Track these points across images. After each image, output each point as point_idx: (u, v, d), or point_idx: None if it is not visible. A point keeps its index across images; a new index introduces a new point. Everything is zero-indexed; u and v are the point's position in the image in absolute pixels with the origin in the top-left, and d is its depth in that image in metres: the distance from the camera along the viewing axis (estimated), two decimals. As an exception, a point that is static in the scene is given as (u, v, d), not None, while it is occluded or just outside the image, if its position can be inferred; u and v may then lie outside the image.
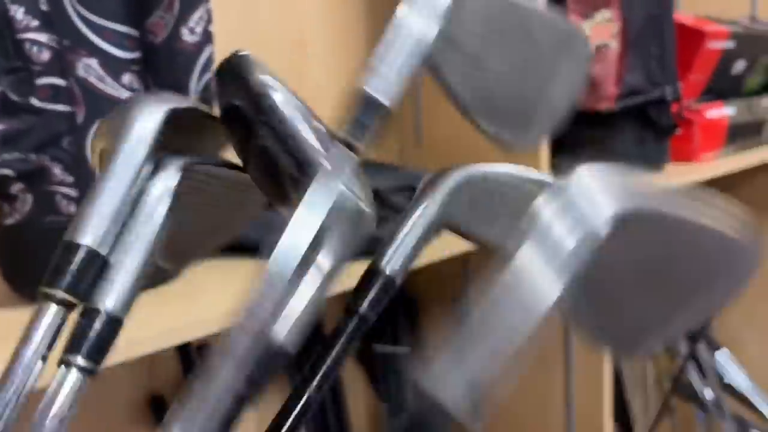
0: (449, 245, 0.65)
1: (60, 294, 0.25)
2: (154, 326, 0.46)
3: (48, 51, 0.47)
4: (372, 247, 0.58)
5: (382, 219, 0.66)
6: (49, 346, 0.25)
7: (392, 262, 0.30)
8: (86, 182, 0.49)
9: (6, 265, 0.53)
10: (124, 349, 0.43)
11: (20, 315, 0.44)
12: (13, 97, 0.46)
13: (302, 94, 0.93)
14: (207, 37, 0.51)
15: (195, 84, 0.52)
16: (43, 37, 0.47)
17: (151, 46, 0.50)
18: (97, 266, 0.26)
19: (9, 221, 0.50)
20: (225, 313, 0.50)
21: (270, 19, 0.88)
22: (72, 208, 0.49)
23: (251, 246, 0.63)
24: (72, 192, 0.49)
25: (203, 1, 0.51)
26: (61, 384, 0.24)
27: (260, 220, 0.65)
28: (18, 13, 0.46)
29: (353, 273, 0.31)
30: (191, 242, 0.33)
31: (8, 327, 0.47)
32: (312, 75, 0.93)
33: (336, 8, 0.96)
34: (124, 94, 0.50)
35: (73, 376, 0.24)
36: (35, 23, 0.46)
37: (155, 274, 0.49)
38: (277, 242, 0.66)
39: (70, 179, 0.49)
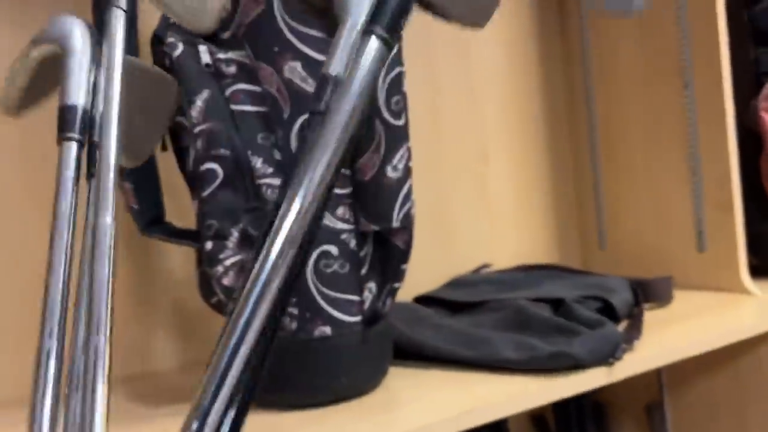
0: (646, 361, 0.65)
1: None
2: None
3: (278, 192, 0.56)
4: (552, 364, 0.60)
5: (567, 330, 0.67)
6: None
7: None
8: (306, 302, 0.57)
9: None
10: None
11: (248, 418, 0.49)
12: (251, 232, 0.55)
13: (484, 203, 0.98)
14: (407, 173, 0.58)
15: (397, 213, 0.58)
16: (276, 181, 0.56)
17: (360, 183, 0.58)
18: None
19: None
20: (423, 424, 0.53)
21: (454, 129, 0.95)
22: (293, 325, 0.57)
23: (442, 356, 0.66)
24: (293, 310, 0.57)
25: (405, 141, 0.58)
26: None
27: (453, 334, 0.69)
28: (258, 162, 0.56)
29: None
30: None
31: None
32: (493, 186, 0.98)
33: (517, 123, 1.01)
34: (338, 225, 0.58)
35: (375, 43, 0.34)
36: (270, 170, 0.56)
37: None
38: (467, 356, 0.69)
39: (292, 300, 0.57)
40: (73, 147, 0.42)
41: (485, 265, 0.95)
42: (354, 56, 0.38)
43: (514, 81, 1.00)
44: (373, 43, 0.38)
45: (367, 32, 0.39)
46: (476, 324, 0.74)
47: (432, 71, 0.93)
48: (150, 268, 0.75)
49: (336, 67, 0.39)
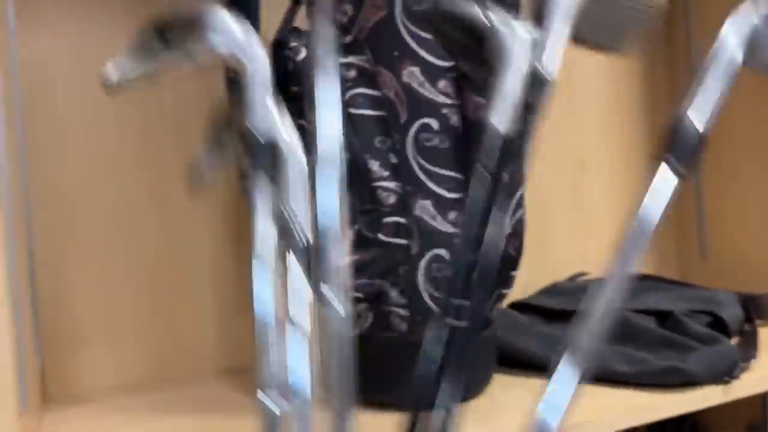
0: (764, 381, 0.62)
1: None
2: None
3: (394, 195, 0.57)
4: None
5: (679, 345, 0.65)
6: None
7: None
8: (417, 305, 0.57)
9: (344, 370, 0.62)
10: None
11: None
12: (366, 233, 0.56)
13: (580, 210, 0.97)
14: (520, 179, 0.58)
15: (509, 219, 0.58)
16: (391, 185, 0.57)
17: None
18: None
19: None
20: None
21: (552, 134, 0.94)
22: (403, 327, 0.57)
23: (539, 363, 0.66)
24: (404, 312, 0.57)
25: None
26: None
27: (558, 343, 0.68)
28: (375, 165, 0.56)
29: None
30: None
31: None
32: (590, 193, 0.96)
33: (617, 129, 0.99)
34: (449, 229, 0.58)
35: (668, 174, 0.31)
36: (386, 173, 0.57)
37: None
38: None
39: (403, 301, 0.57)
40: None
41: (581, 274, 0.93)
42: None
43: (616, 85, 0.98)
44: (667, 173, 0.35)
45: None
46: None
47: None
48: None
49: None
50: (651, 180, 0.33)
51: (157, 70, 0.47)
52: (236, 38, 0.39)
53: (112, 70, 0.43)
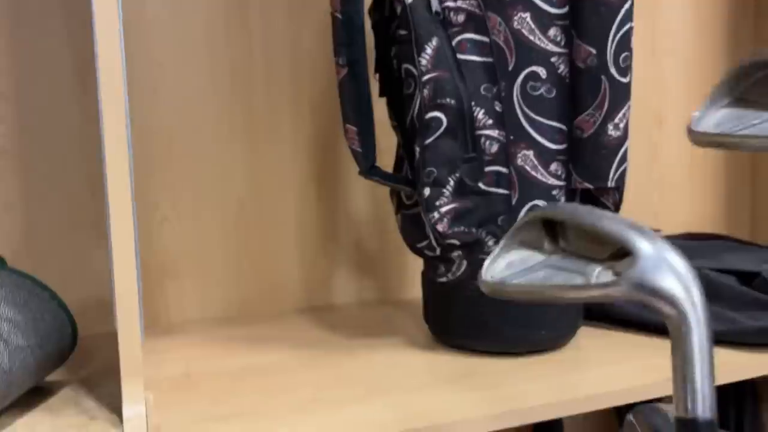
0: None
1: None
2: (542, 397, 0.51)
3: (497, 144, 0.57)
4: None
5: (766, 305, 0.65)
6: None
7: None
8: (514, 254, 0.57)
9: (433, 316, 0.63)
10: (510, 416, 0.49)
11: (440, 358, 0.52)
12: (467, 181, 0.56)
13: (655, 168, 0.95)
14: (626, 132, 0.57)
15: (613, 173, 0.57)
16: (494, 133, 0.56)
17: (578, 140, 0.57)
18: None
19: (442, 280, 0.61)
20: (629, 387, 0.53)
21: (634, 90, 0.92)
22: (499, 275, 0.58)
23: (631, 320, 0.66)
24: (500, 261, 0.58)
25: (627, 99, 0.57)
26: None
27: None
28: (479, 113, 0.56)
29: None
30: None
31: (432, 368, 0.57)
32: (667, 150, 0.95)
33: (698, 84, 0.96)
34: (550, 180, 0.58)
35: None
36: (490, 121, 0.56)
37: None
38: (660, 322, 0.67)
39: (500, 251, 0.58)
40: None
41: (655, 231, 0.92)
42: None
43: (699, 39, 0.95)
44: None
45: None
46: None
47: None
48: (335, 208, 0.78)
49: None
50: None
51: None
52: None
53: None
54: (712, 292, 0.69)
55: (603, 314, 0.68)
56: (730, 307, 0.65)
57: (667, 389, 0.54)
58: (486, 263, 0.36)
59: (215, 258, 0.73)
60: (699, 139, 0.35)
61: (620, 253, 0.33)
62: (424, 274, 0.64)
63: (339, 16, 0.57)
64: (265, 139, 0.74)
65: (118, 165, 0.45)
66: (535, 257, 0.36)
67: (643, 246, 0.32)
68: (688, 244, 0.87)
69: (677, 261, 0.33)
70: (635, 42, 0.91)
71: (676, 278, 0.32)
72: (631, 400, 0.54)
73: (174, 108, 0.71)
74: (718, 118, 0.36)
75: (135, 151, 0.69)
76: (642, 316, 0.66)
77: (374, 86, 0.61)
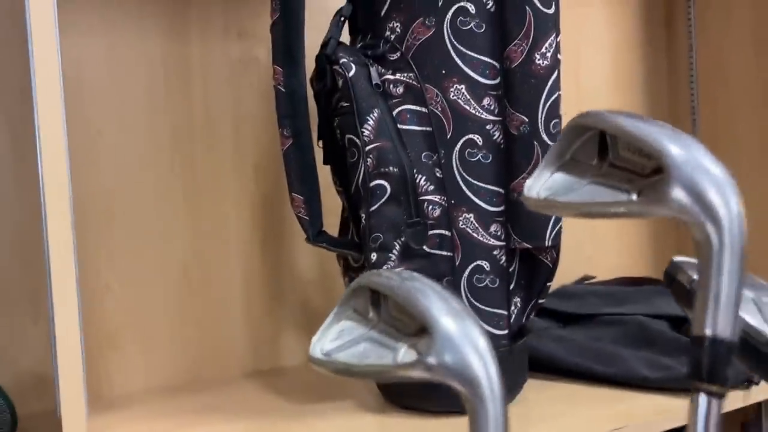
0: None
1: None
2: None
3: (439, 209, 0.59)
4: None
5: None
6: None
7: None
8: (460, 315, 0.59)
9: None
10: None
11: (389, 421, 0.52)
12: (412, 245, 0.58)
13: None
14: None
15: (549, 232, 0.60)
16: (436, 198, 0.59)
17: (514, 202, 0.60)
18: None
19: (392, 341, 0.62)
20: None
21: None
22: (447, 336, 0.59)
23: (576, 371, 0.68)
24: (447, 322, 0.59)
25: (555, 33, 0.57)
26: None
27: (580, 348, 0.71)
28: (421, 179, 0.58)
29: None
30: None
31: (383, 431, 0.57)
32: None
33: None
34: (491, 241, 0.60)
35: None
36: (432, 187, 0.58)
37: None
38: (605, 372, 0.68)
39: (446, 311, 0.59)
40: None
41: (588, 277, 0.96)
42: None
43: (619, 91, 1.01)
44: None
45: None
46: (594, 338, 0.76)
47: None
48: (281, 269, 0.78)
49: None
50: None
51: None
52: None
53: None
54: (647, 339, 0.72)
55: (550, 366, 0.70)
56: (663, 353, 0.68)
57: None
58: (318, 333, 0.34)
59: (159, 324, 0.72)
60: (530, 203, 0.34)
61: (423, 330, 0.30)
62: (372, 335, 0.64)
63: (282, 89, 0.59)
64: (208, 203, 0.74)
65: (60, 234, 0.45)
66: (359, 329, 0.34)
67: (442, 324, 0.30)
68: (622, 290, 0.91)
69: (478, 338, 0.30)
70: (566, 92, 0.97)
71: (477, 358, 0.30)
72: None
73: (114, 174, 0.70)
74: (548, 183, 0.34)
75: (75, 218, 0.68)
76: (590, 368, 0.68)
77: (318, 153, 0.62)
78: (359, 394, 0.67)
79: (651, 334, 0.72)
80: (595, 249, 0.99)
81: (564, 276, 0.96)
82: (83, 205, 0.69)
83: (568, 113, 0.95)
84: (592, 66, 0.99)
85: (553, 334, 0.77)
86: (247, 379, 0.74)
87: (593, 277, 0.97)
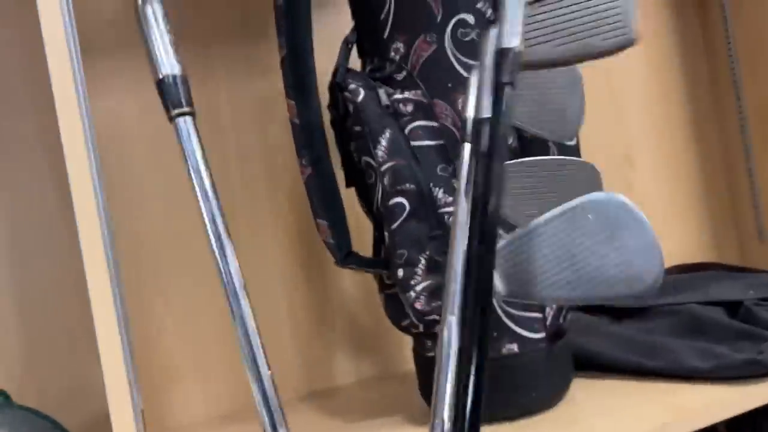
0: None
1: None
2: None
3: (460, 219, 0.59)
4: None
5: (754, 336, 0.66)
6: None
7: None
8: (491, 321, 0.59)
9: (427, 389, 0.65)
10: None
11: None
12: (437, 258, 0.59)
13: (633, 203, 0.95)
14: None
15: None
16: (457, 209, 0.59)
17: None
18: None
19: (431, 354, 0.62)
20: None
21: (597, 135, 0.95)
22: (482, 344, 0.60)
23: (624, 366, 0.67)
24: (481, 330, 0.60)
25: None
26: None
27: (628, 342, 0.70)
28: (439, 192, 0.59)
29: None
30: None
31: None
32: (640, 189, 0.97)
33: (662, 122, 0.99)
34: (517, 246, 0.60)
35: None
36: (450, 199, 0.59)
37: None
38: (652, 366, 0.68)
39: (479, 320, 0.60)
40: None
41: (642, 268, 0.94)
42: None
43: (656, 78, 0.99)
44: None
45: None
46: (646, 331, 0.74)
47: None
48: (325, 290, 0.81)
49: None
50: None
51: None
52: None
53: None
54: (699, 328, 0.70)
55: (597, 363, 0.69)
56: (716, 342, 0.66)
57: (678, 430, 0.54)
58: None
59: (214, 356, 0.75)
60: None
61: None
62: (414, 349, 0.65)
63: (297, 121, 0.61)
64: (247, 235, 0.77)
65: (99, 283, 0.48)
66: None
67: None
68: (678, 278, 0.88)
69: None
70: (597, 88, 0.95)
71: None
72: None
73: (159, 214, 0.74)
74: None
75: (126, 262, 0.72)
76: (638, 362, 0.67)
77: (341, 178, 0.64)
78: (408, 407, 0.68)
79: (703, 322, 0.70)
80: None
81: (616, 269, 0.94)
82: (135, 251, 0.73)
83: (600, 103, 0.94)
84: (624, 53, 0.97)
85: (602, 330, 0.76)
86: (302, 401, 0.76)
87: (646, 268, 0.95)
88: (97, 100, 0.72)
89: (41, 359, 0.70)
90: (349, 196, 0.65)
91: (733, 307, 0.73)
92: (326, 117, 0.64)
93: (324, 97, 0.63)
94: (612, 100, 0.96)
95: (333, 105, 0.64)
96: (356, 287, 0.82)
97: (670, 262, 0.97)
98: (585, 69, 0.90)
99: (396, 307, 0.62)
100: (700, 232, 1.01)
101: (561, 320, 0.62)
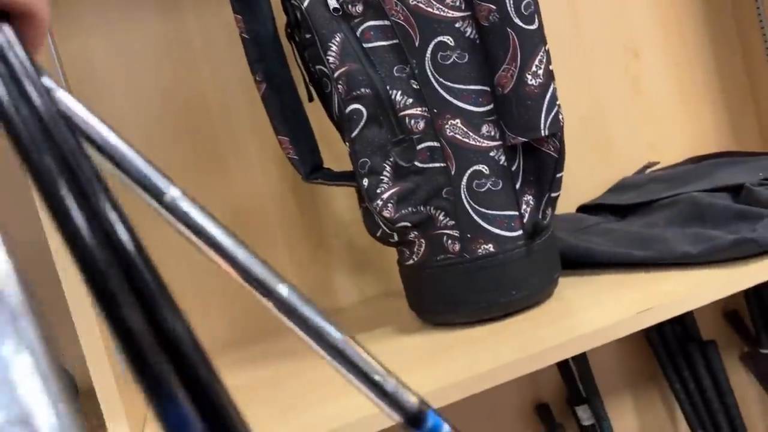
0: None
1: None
2: (536, 345, 0.52)
3: (422, 121, 0.57)
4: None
5: (750, 216, 0.62)
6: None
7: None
8: (465, 223, 0.58)
9: (411, 297, 0.64)
10: (513, 367, 0.50)
11: (424, 338, 0.53)
12: (402, 163, 0.57)
13: (641, 100, 0.92)
14: (549, 77, 0.56)
15: (543, 121, 0.57)
16: (417, 111, 0.57)
17: (501, 97, 0.57)
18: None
19: (409, 262, 0.62)
20: (599, 328, 0.53)
21: (597, 25, 0.90)
22: (456, 247, 0.58)
23: (614, 260, 0.65)
24: (455, 233, 0.58)
25: (541, 45, 0.56)
26: None
27: (623, 237, 0.67)
28: (397, 95, 0.57)
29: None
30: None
31: (417, 349, 0.58)
32: (648, 80, 0.92)
33: (669, 8, 0.93)
34: (485, 143, 0.58)
35: None
36: (410, 101, 0.57)
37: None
38: (641, 256, 0.66)
39: (452, 222, 0.58)
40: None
41: (651, 164, 0.90)
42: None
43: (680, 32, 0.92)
44: None
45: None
46: (648, 224, 0.71)
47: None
48: (319, 213, 0.80)
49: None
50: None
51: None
52: None
53: None
54: (698, 215, 0.67)
55: (588, 260, 0.66)
56: (713, 226, 0.63)
57: (659, 316, 0.52)
58: None
59: (215, 288, 0.77)
60: None
61: None
62: (397, 261, 0.65)
63: (246, 35, 0.59)
64: (235, 166, 0.77)
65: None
66: None
67: None
68: (686, 169, 0.84)
69: None
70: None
71: None
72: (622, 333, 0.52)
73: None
74: None
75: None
76: (627, 254, 0.64)
77: (303, 93, 0.63)
78: (402, 319, 0.68)
79: (701, 209, 0.67)
80: (657, 134, 0.92)
81: (624, 170, 0.90)
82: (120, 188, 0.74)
83: (628, 57, 0.88)
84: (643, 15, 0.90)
85: (601, 228, 0.74)
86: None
87: (657, 163, 0.91)
88: (67, 42, 0.72)
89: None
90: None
91: (739, 191, 0.69)
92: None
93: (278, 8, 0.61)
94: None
95: (285, 14, 0.62)
96: (351, 210, 0.81)
97: (682, 155, 0.92)
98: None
99: (371, 219, 0.61)
100: (718, 124, 0.95)
101: (540, 215, 0.60)
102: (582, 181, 0.86)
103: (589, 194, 0.87)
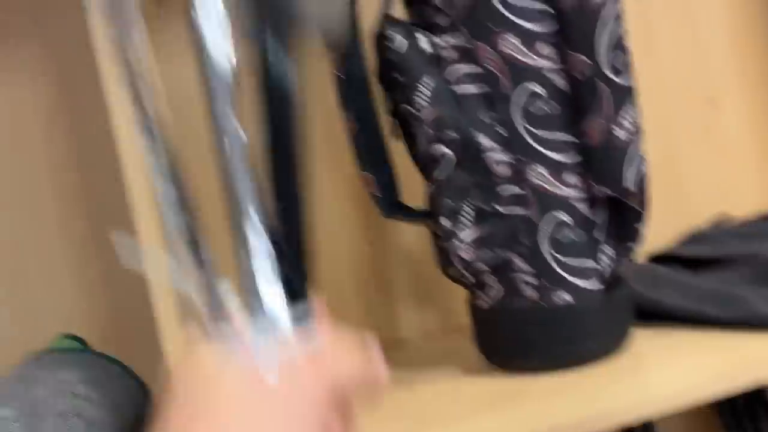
0: None
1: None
2: (601, 404, 0.51)
3: (506, 166, 0.58)
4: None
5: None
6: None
7: None
8: (544, 271, 0.58)
9: (481, 338, 0.64)
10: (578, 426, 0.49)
11: (492, 382, 0.52)
12: (483, 207, 0.58)
13: (716, 150, 0.90)
14: (637, 132, 0.56)
15: (629, 175, 0.57)
16: (502, 156, 0.58)
17: (589, 148, 0.57)
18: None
19: (483, 305, 0.62)
20: (679, 388, 0.52)
21: (675, 73, 0.89)
22: (534, 294, 0.58)
23: (689, 316, 0.64)
24: (532, 280, 0.58)
25: (630, 100, 0.56)
26: None
27: (700, 292, 0.66)
28: (483, 140, 0.57)
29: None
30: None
31: (485, 393, 0.58)
32: (725, 132, 0.91)
33: (748, 58, 0.92)
34: (568, 192, 0.58)
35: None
36: (495, 146, 0.58)
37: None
38: (718, 315, 0.64)
39: (530, 269, 0.58)
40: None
41: (725, 216, 0.88)
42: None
43: (742, 15, 0.91)
44: None
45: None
46: (724, 281, 0.70)
47: (643, 8, 0.87)
48: (387, 244, 0.81)
49: None
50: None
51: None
52: None
53: None
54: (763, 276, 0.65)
55: (658, 313, 0.65)
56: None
57: (736, 382, 0.51)
58: None
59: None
60: None
61: None
62: (467, 301, 0.65)
63: (340, 75, 0.61)
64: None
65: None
66: None
67: None
68: (759, 225, 0.83)
69: None
70: (675, 21, 0.88)
71: None
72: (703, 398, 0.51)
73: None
74: None
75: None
76: (703, 312, 0.63)
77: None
78: (467, 359, 0.68)
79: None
80: (732, 186, 0.91)
81: (696, 220, 0.88)
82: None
83: (705, 105, 0.87)
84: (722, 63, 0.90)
85: (674, 281, 0.73)
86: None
87: (731, 217, 0.89)
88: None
89: (124, 318, 0.75)
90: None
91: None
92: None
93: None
94: (692, 32, 0.89)
95: (379, 56, 0.63)
96: (418, 239, 0.82)
97: (758, 209, 0.90)
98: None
99: (445, 257, 0.62)
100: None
101: (619, 268, 0.60)
102: (652, 231, 0.85)
103: (659, 244, 0.85)
